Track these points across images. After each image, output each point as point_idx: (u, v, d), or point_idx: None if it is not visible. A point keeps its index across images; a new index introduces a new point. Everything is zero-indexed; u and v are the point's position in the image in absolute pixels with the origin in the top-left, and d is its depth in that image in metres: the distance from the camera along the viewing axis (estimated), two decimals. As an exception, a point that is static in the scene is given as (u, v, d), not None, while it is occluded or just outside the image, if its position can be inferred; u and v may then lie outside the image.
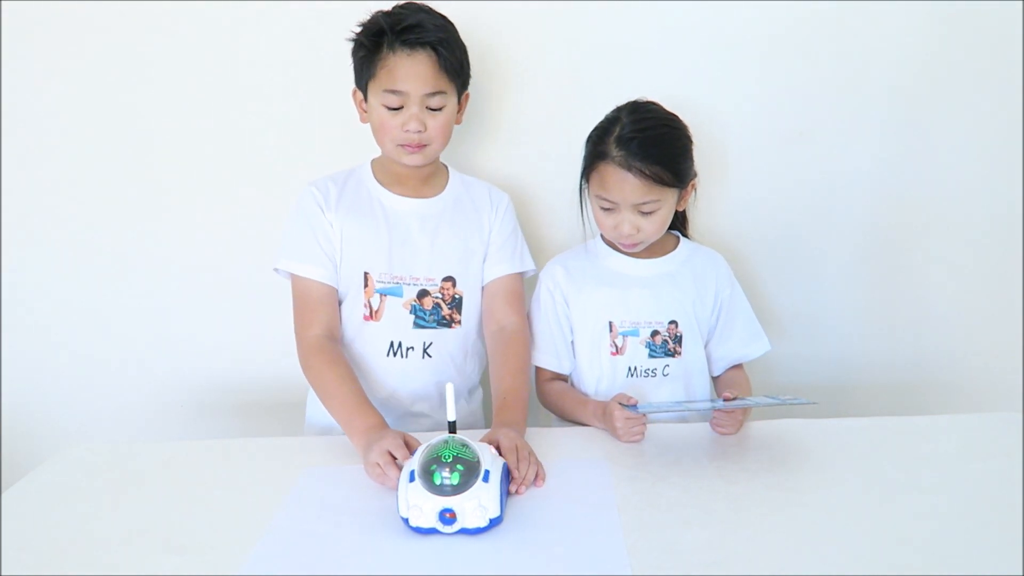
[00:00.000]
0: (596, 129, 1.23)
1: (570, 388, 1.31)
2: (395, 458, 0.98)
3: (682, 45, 1.46)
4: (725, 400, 1.10)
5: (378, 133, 1.22)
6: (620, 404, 1.10)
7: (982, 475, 0.98)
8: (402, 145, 1.20)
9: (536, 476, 0.98)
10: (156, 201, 1.52)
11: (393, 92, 1.16)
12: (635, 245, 1.25)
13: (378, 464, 0.97)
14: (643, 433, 1.11)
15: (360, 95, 1.23)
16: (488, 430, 1.08)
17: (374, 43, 1.16)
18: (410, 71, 1.15)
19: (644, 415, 1.10)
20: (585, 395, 1.28)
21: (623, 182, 1.16)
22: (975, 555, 0.81)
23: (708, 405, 1.13)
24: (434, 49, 1.16)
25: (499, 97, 1.45)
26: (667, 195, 1.19)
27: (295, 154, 1.48)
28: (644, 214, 1.19)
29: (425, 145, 1.20)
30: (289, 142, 1.48)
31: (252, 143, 1.49)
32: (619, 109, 1.24)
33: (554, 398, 1.29)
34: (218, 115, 1.47)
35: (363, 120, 1.25)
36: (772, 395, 1.16)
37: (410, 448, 0.99)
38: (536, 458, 1.01)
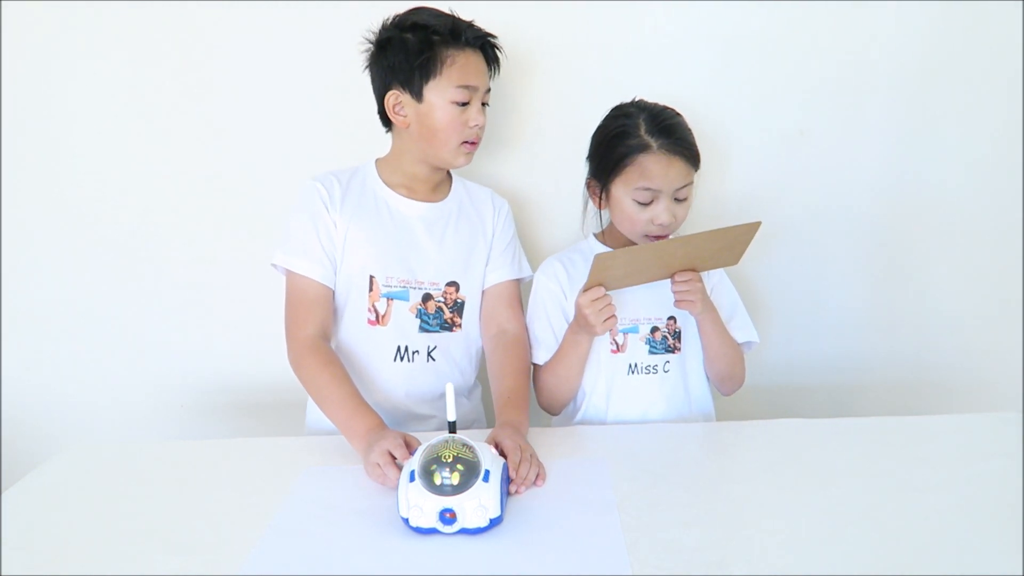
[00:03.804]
0: (611, 131, 1.21)
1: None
2: (395, 458, 0.98)
3: (682, 45, 1.46)
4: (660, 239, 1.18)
5: (443, 132, 1.18)
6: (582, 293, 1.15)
7: (982, 475, 0.98)
8: (465, 142, 1.20)
9: (536, 476, 0.98)
10: (157, 201, 1.52)
11: (466, 87, 1.16)
12: (664, 237, 1.25)
13: (378, 464, 0.97)
14: (614, 315, 1.15)
15: (399, 98, 1.18)
16: (489, 427, 1.08)
17: (441, 42, 1.14)
18: (478, 67, 1.19)
19: (605, 292, 1.14)
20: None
21: (669, 167, 1.17)
22: (975, 555, 0.81)
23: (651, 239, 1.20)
24: (484, 47, 1.20)
25: (495, 100, 1.45)
26: (693, 179, 1.22)
27: (299, 153, 1.48)
28: (679, 201, 1.21)
29: (478, 142, 1.22)
30: (291, 141, 1.48)
31: (257, 142, 1.49)
32: (621, 109, 1.24)
33: (548, 372, 1.26)
34: (219, 114, 1.47)
35: (403, 125, 1.20)
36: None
37: (410, 448, 0.99)
38: (538, 459, 1.02)
